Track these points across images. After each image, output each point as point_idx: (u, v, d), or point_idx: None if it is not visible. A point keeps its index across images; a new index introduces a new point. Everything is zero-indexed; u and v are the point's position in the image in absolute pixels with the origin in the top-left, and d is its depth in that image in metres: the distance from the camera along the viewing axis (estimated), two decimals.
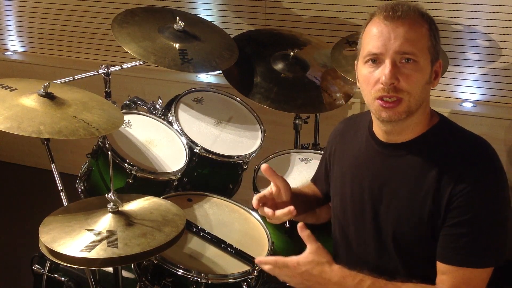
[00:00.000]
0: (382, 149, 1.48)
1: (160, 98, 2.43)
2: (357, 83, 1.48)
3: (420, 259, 1.44)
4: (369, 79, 1.39)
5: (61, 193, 1.93)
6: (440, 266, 1.39)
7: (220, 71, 2.55)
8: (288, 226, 2.11)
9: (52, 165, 1.95)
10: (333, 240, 1.67)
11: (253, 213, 2.14)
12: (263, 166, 1.51)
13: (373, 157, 1.50)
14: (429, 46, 1.38)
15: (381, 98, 1.37)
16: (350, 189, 1.56)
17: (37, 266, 2.08)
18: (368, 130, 1.53)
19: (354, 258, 1.55)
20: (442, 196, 1.36)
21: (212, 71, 2.63)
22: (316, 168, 1.83)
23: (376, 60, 1.37)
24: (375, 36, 1.37)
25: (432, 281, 1.41)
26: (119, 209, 1.70)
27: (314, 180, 1.84)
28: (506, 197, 1.37)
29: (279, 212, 1.49)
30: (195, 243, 1.94)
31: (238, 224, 2.09)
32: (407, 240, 1.43)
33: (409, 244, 1.44)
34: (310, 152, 2.47)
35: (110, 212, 1.68)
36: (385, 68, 1.35)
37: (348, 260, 1.55)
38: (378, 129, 1.49)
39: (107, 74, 2.40)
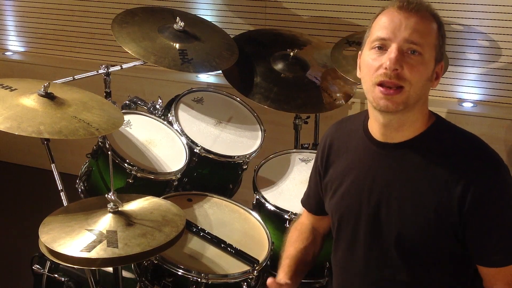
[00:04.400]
0: (379, 149, 1.45)
1: (160, 98, 2.43)
2: (358, 72, 1.45)
3: (425, 264, 1.42)
4: (373, 65, 1.37)
5: (61, 193, 1.93)
6: (484, 270, 1.39)
7: (220, 71, 2.55)
8: (288, 226, 2.11)
9: (52, 165, 1.95)
10: (334, 252, 1.62)
11: (253, 213, 2.14)
12: (269, 281, 1.50)
13: (371, 158, 1.47)
14: (436, 44, 1.39)
15: (381, 84, 1.35)
16: (348, 193, 1.52)
17: (37, 266, 2.08)
18: (363, 131, 1.50)
19: (356, 268, 1.52)
20: (450, 197, 1.35)
21: (212, 71, 2.63)
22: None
23: (382, 47, 1.36)
24: (385, 23, 1.37)
25: None
26: (119, 209, 1.70)
27: (306, 199, 1.76)
28: None
29: None
30: (195, 243, 1.94)
31: (238, 224, 2.09)
32: (411, 244, 1.41)
33: (414, 247, 1.41)
34: (310, 152, 2.46)
35: (110, 212, 1.68)
36: (391, 53, 1.34)
37: (351, 270, 1.54)
38: (375, 127, 1.45)
39: (107, 74, 2.40)
